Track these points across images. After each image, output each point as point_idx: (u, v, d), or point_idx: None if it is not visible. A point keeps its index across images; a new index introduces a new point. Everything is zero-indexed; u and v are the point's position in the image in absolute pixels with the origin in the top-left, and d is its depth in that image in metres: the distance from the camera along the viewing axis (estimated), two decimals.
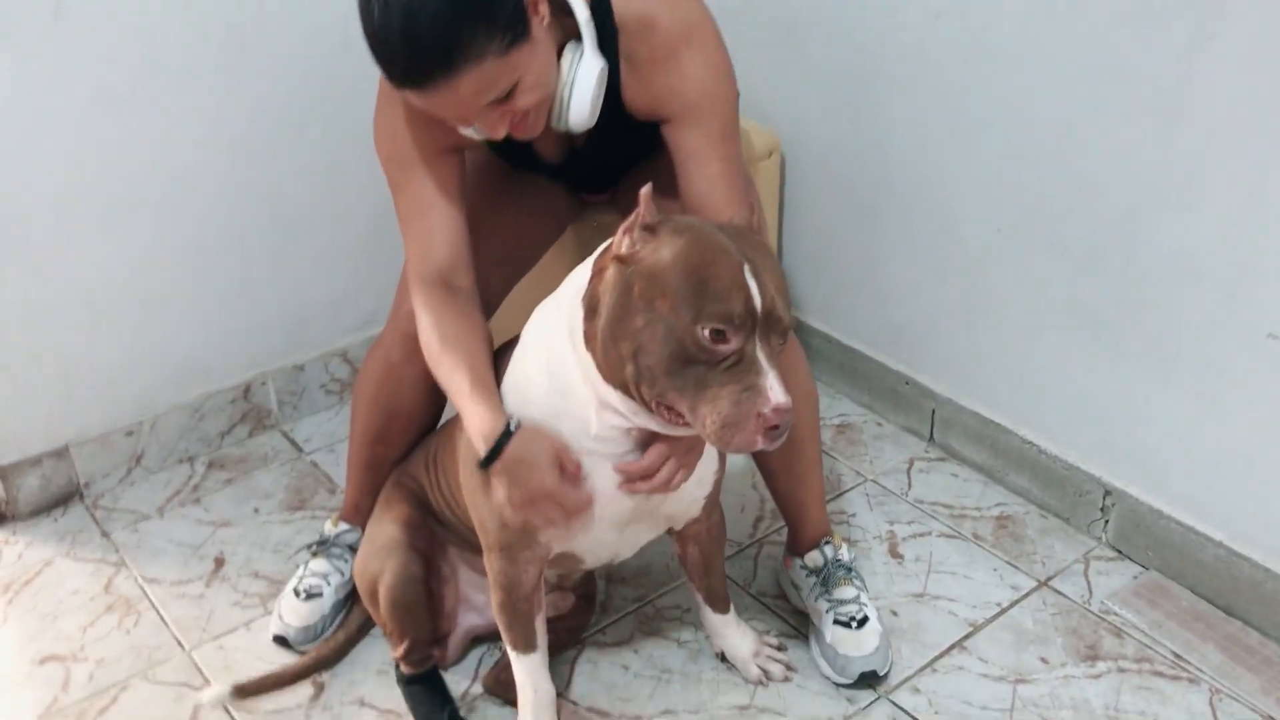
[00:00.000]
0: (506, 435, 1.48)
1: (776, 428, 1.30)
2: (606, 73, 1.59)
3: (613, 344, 1.38)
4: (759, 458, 1.95)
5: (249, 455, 2.52)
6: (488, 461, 1.50)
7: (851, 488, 2.35)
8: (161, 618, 2.08)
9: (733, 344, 1.32)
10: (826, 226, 2.52)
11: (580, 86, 1.56)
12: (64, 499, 2.38)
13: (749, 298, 1.32)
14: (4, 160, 2.10)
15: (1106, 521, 2.14)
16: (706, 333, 1.31)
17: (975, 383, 2.33)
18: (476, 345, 1.61)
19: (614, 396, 1.43)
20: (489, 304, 1.88)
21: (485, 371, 1.58)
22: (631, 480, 1.52)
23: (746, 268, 1.33)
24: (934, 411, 2.42)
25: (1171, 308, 1.92)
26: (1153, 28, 1.79)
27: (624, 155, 1.49)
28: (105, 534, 2.30)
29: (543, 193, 1.88)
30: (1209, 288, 1.86)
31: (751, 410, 1.30)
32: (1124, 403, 2.06)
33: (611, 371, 1.41)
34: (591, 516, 1.55)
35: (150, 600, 2.12)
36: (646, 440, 1.50)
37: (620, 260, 1.39)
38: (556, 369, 1.49)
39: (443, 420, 1.90)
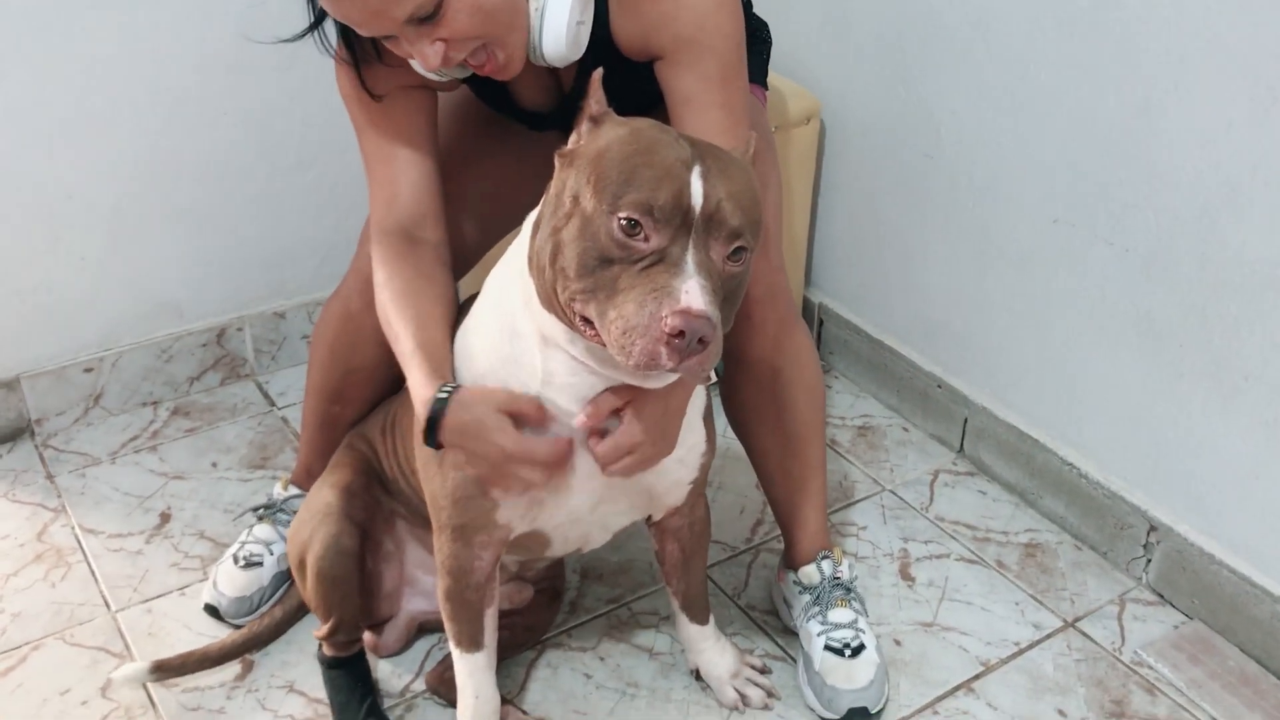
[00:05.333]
0: (440, 404, 1.30)
1: (682, 335, 1.09)
2: None
3: (540, 252, 1.22)
4: (755, 457, 1.74)
5: (217, 405, 2.34)
6: (429, 436, 1.31)
7: (866, 497, 2.12)
8: (92, 572, 1.91)
9: (652, 241, 1.13)
10: (864, 205, 2.29)
11: (553, 11, 1.35)
12: (12, 435, 2.22)
13: (681, 192, 1.13)
14: None
15: (1149, 560, 1.90)
16: (621, 223, 1.12)
17: (1015, 392, 2.09)
18: (428, 304, 1.43)
19: (550, 324, 1.25)
20: (465, 259, 1.70)
21: (434, 332, 1.39)
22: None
23: (696, 168, 1.15)
24: (966, 420, 2.18)
25: (1245, 323, 1.67)
26: None
27: (619, 101, 1.29)
28: (50, 476, 2.13)
29: (531, 141, 1.67)
30: None
31: (657, 313, 1.10)
32: (1181, 428, 1.81)
33: (541, 286, 1.23)
34: (568, 486, 1.36)
35: (84, 552, 1.95)
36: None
37: (562, 157, 1.24)
38: (506, 307, 1.31)
39: None
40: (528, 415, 1.30)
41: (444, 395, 1.30)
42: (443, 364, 1.35)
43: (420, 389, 1.32)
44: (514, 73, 1.41)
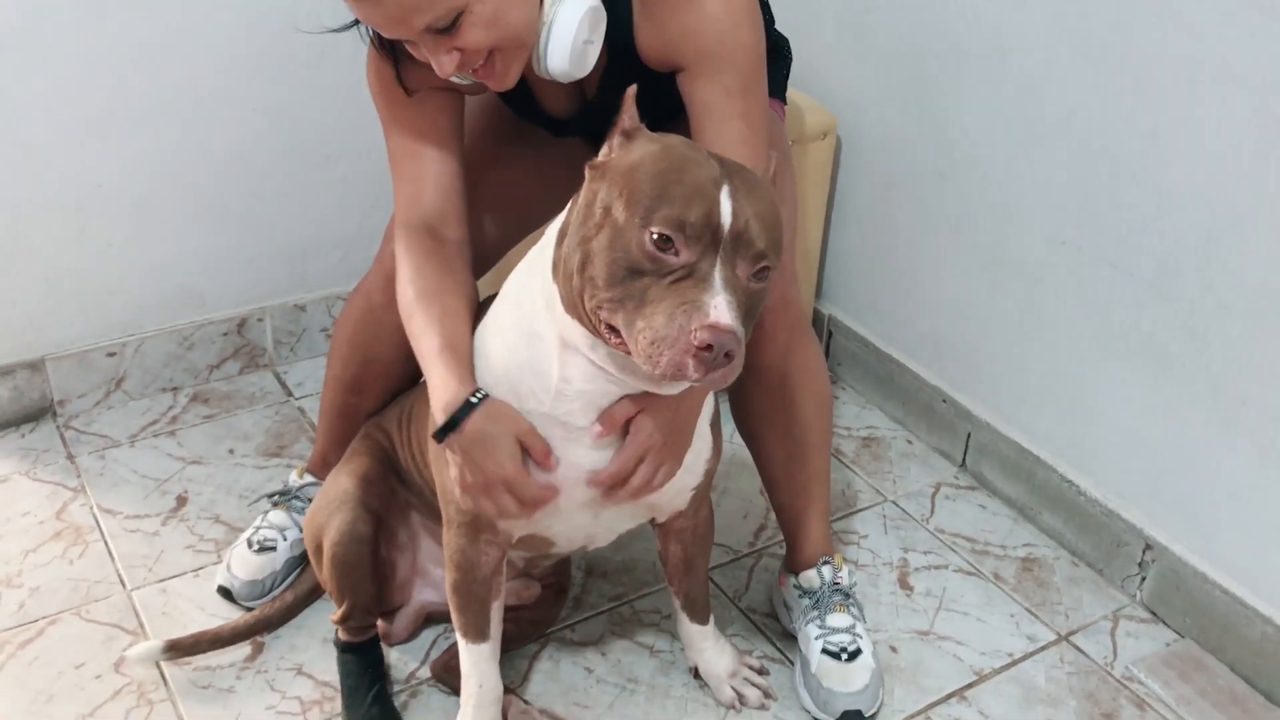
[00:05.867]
0: (467, 407, 1.33)
1: (710, 349, 1.12)
2: (602, 15, 1.41)
3: (567, 259, 1.24)
4: (761, 463, 1.78)
5: (235, 393, 2.38)
6: (443, 434, 1.35)
7: (868, 507, 2.15)
8: (109, 551, 1.95)
9: (682, 256, 1.16)
10: (876, 220, 2.33)
11: (560, 27, 1.37)
12: (35, 415, 2.27)
13: (711, 210, 1.16)
14: (1, 47, 1.97)
15: (1143, 579, 1.93)
16: (653, 237, 1.15)
17: (1018, 408, 2.12)
18: (454, 303, 1.45)
19: (573, 329, 1.28)
20: (485, 259, 1.73)
21: (458, 333, 1.42)
22: (607, 488, 1.38)
23: (725, 188, 1.18)
24: (970, 435, 2.22)
25: (1247, 348, 1.70)
26: (1269, 20, 1.57)
27: (640, 110, 1.32)
28: (71, 456, 2.18)
29: (553, 146, 1.70)
30: None
31: (686, 326, 1.13)
32: (1179, 449, 1.84)
33: (566, 292, 1.26)
34: (556, 508, 1.40)
35: (101, 531, 1.99)
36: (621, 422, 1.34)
37: (593, 169, 1.26)
38: (526, 310, 1.34)
39: None
40: (536, 451, 1.34)
41: (474, 400, 1.33)
42: (469, 365, 1.38)
43: (446, 389, 1.35)
44: (508, 84, 1.43)
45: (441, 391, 1.36)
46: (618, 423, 1.33)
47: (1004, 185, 2.02)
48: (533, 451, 1.34)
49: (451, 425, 1.34)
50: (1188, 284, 1.76)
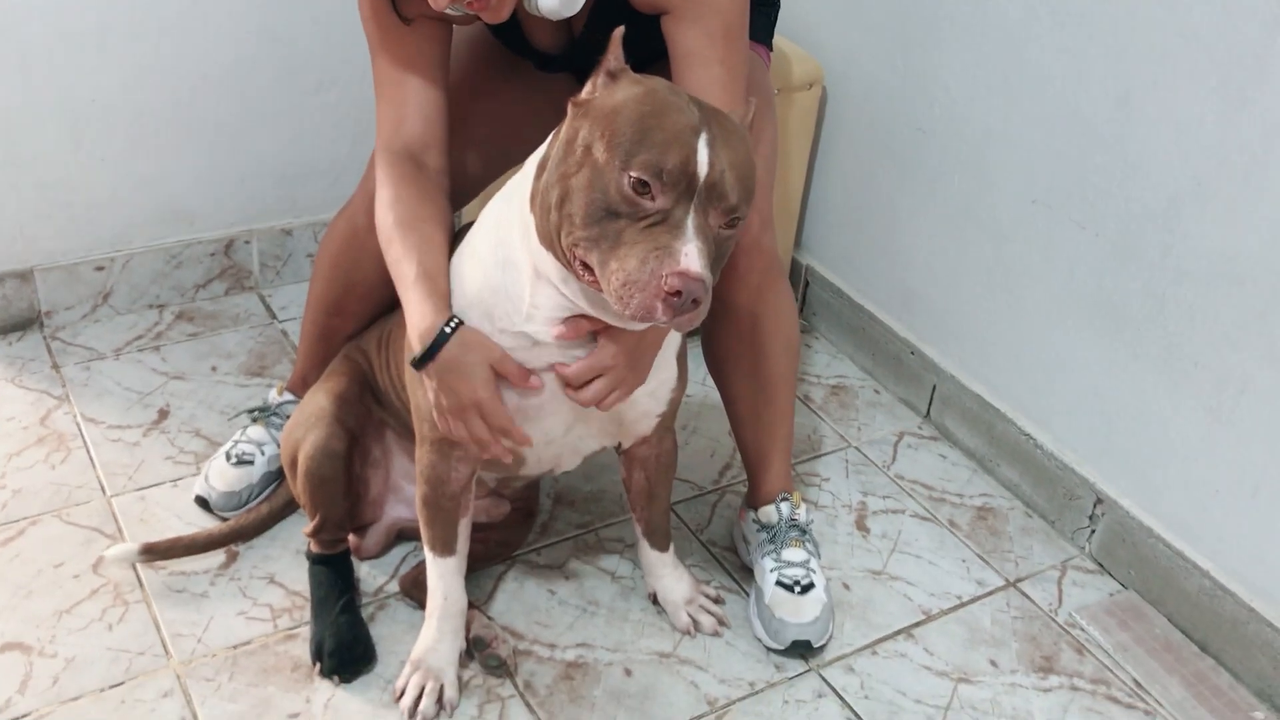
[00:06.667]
0: (443, 336, 1.38)
1: (678, 295, 1.17)
2: None
3: (546, 193, 1.29)
4: (728, 401, 1.83)
5: (220, 313, 2.42)
6: (421, 362, 1.40)
7: (831, 451, 2.21)
8: (91, 458, 2.00)
9: (658, 201, 1.20)
10: (856, 173, 2.37)
11: None
12: (22, 324, 2.30)
13: (689, 159, 1.20)
14: None
15: (1093, 531, 2.00)
16: (631, 180, 1.20)
17: (982, 363, 2.18)
18: (431, 230, 1.49)
19: (546, 261, 1.32)
20: (465, 191, 1.77)
21: (435, 261, 1.46)
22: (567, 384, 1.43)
23: (703, 136, 1.22)
24: (935, 387, 2.27)
25: (1200, 312, 1.76)
26: None
27: (626, 51, 1.35)
28: (56, 366, 2.22)
29: (538, 81, 1.73)
30: (1245, 296, 1.69)
31: (658, 271, 1.18)
32: (1132, 407, 1.90)
33: (542, 225, 1.30)
34: (527, 413, 1.45)
35: (84, 439, 2.04)
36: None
37: (576, 105, 1.30)
38: (502, 238, 1.39)
39: None
40: (511, 376, 1.39)
41: (449, 329, 1.38)
42: (446, 293, 1.42)
43: (422, 316, 1.39)
44: (502, 17, 1.44)
45: (418, 319, 1.40)
46: (581, 331, 1.38)
47: (979, 143, 2.06)
48: (509, 376, 1.39)
49: (430, 352, 1.38)
50: (1148, 247, 1.82)
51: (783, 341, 1.76)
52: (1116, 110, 1.81)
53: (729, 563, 1.92)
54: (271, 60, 2.31)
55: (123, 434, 2.07)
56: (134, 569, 1.79)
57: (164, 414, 2.12)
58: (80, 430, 2.06)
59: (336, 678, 1.63)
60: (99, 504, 1.91)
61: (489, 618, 1.75)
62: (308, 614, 1.72)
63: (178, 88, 2.25)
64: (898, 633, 1.82)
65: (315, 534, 1.71)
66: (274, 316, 2.43)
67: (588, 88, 1.31)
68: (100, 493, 1.93)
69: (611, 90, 1.28)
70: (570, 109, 1.31)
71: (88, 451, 2.02)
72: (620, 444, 1.65)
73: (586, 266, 1.26)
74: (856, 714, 1.67)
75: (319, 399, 1.70)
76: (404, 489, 1.81)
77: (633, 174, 1.20)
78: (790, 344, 1.78)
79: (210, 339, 2.34)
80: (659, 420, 1.59)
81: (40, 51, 2.10)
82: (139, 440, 2.05)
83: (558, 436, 1.53)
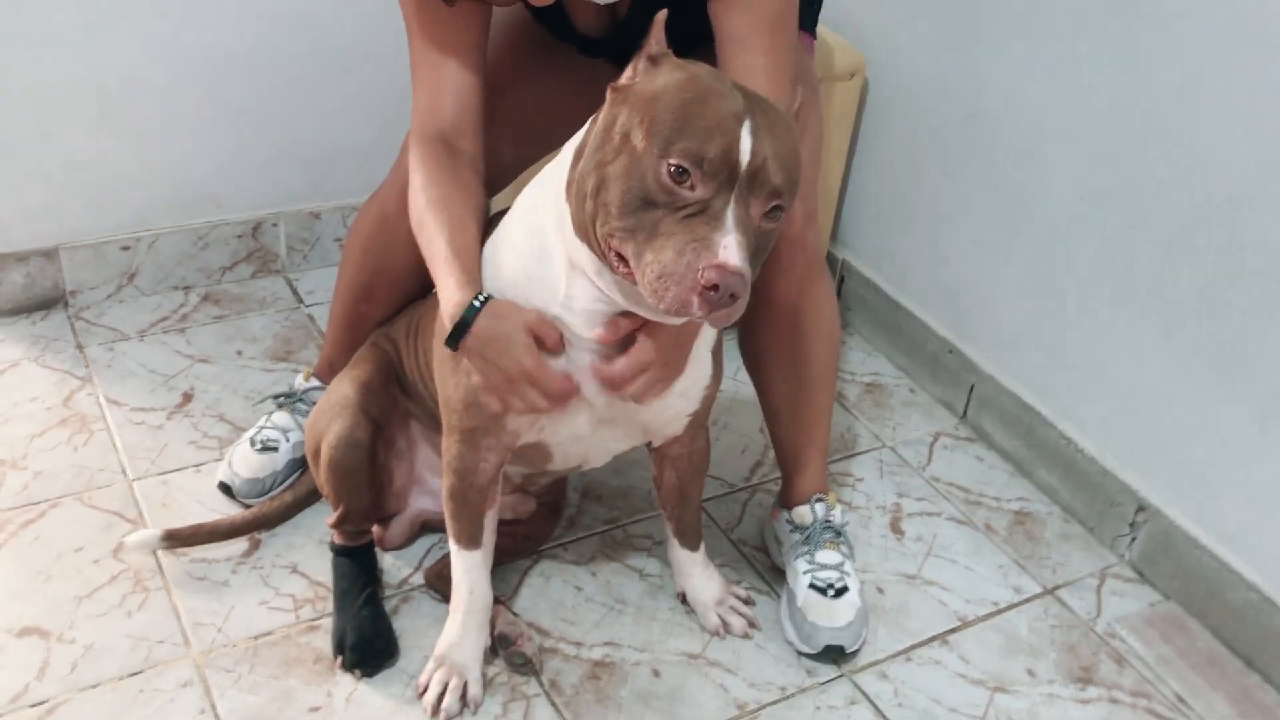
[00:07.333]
0: (472, 310, 1.34)
1: (716, 289, 1.13)
2: None
3: (581, 181, 1.24)
4: (764, 398, 1.78)
5: (246, 295, 2.39)
6: (453, 339, 1.36)
7: (866, 451, 2.16)
8: (113, 441, 1.97)
9: (698, 191, 1.16)
10: (898, 165, 2.31)
11: None
12: (47, 304, 2.28)
13: (731, 147, 1.15)
14: None
15: (1133, 539, 1.94)
16: (670, 169, 1.15)
17: (1022, 362, 2.12)
18: (464, 211, 1.46)
19: (581, 252, 1.28)
20: (500, 176, 1.73)
21: (467, 240, 1.42)
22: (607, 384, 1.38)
23: (747, 123, 1.17)
24: (973, 387, 2.22)
25: (1261, 313, 1.70)
26: None
27: (669, 35, 1.31)
28: (80, 346, 2.19)
29: (579, 66, 1.69)
30: None
31: (694, 264, 1.13)
32: (1181, 411, 1.85)
33: (577, 214, 1.26)
34: (582, 400, 1.40)
35: (107, 421, 2.01)
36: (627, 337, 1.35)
37: (616, 91, 1.25)
38: (538, 226, 1.35)
39: None
40: (549, 340, 1.34)
41: (478, 303, 1.34)
42: (475, 272, 1.39)
43: (452, 293, 1.36)
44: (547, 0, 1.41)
45: (448, 296, 1.37)
46: (620, 333, 1.34)
47: (1031, 135, 2.01)
48: (546, 339, 1.35)
49: (461, 329, 1.34)
50: (1207, 246, 1.76)
51: (824, 338, 1.72)
52: (1178, 102, 1.75)
53: (759, 563, 1.88)
54: (300, 42, 2.27)
55: (146, 416, 2.04)
56: (154, 556, 1.76)
57: (188, 397, 2.09)
58: (103, 412, 2.03)
59: (358, 671, 1.60)
60: (121, 487, 1.88)
61: (514, 614, 1.71)
62: (330, 605, 1.69)
63: (205, 68, 2.21)
64: (933, 639, 1.78)
65: (338, 525, 1.68)
66: (301, 301, 2.40)
67: (628, 73, 1.27)
68: (122, 476, 1.90)
69: (652, 75, 1.24)
70: (609, 94, 1.27)
71: (110, 434, 1.99)
72: (651, 442, 1.61)
73: (621, 258, 1.22)
74: None
75: (344, 387, 1.67)
76: (428, 480, 1.77)
77: (672, 162, 1.15)
78: (832, 341, 1.74)
79: (236, 322, 2.31)
80: (690, 419, 1.54)
81: (68, 30, 2.07)
82: (162, 423, 2.02)
83: (585, 434, 1.49)
